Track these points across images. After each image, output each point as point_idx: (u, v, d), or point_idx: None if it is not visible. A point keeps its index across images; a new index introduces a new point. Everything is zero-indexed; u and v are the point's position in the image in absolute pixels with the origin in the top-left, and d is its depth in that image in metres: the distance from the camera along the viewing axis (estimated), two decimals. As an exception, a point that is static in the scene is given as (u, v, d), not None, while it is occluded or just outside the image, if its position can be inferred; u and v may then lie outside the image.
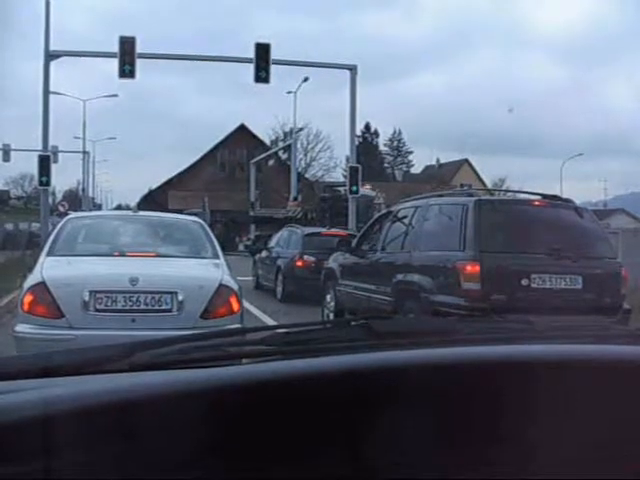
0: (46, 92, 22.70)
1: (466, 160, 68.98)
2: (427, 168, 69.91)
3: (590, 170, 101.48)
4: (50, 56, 22.34)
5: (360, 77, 23.99)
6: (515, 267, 7.76)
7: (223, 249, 7.52)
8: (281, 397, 1.04)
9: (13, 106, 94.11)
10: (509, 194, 15.32)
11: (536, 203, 8.64)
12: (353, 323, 1.51)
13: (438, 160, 70.43)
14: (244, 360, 1.27)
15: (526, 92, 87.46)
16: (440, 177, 56.41)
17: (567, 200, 9.02)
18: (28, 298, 6.06)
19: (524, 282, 7.66)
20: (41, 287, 6.06)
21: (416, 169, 73.48)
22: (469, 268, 7.65)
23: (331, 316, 11.20)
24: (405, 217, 9.49)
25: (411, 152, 75.53)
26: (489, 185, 56.13)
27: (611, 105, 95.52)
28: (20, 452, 0.91)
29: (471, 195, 8.80)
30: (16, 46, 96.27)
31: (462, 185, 39.81)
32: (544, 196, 8.92)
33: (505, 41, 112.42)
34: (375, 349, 1.22)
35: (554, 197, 9.07)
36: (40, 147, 23.26)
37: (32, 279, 6.26)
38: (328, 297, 11.49)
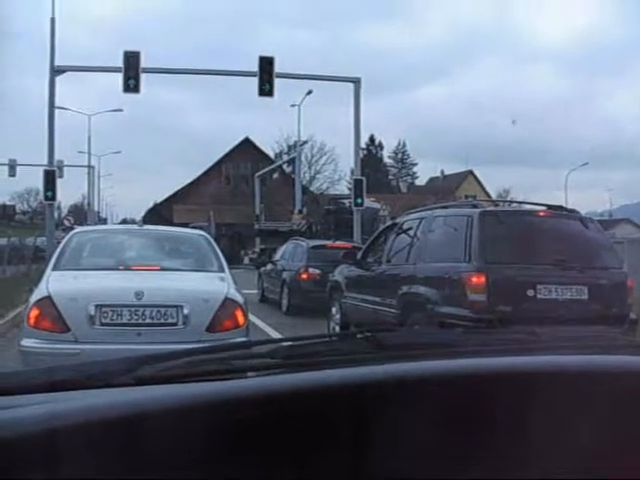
0: (51, 107, 22.80)
1: (470, 171, 69.07)
2: (432, 180, 70.01)
3: (595, 180, 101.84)
4: (55, 71, 22.45)
5: (364, 89, 24.05)
6: (521, 278, 7.74)
7: (228, 262, 7.52)
8: (287, 410, 1.04)
9: (19, 121, 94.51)
10: (514, 205, 15.29)
11: (541, 214, 8.62)
12: (359, 336, 1.51)
13: (442, 172, 70.62)
14: (250, 373, 1.27)
15: (531, 103, 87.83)
16: (445, 188, 56.52)
17: (572, 210, 9.00)
18: (34, 312, 6.06)
19: (530, 293, 7.64)
20: (47, 301, 6.06)
21: (420, 181, 73.68)
22: (475, 279, 7.64)
23: (337, 329, 11.16)
24: (410, 229, 9.48)
25: (415, 164, 75.72)
26: (494, 196, 56.14)
27: (616, 115, 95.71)
28: (25, 466, 0.91)
29: (476, 206, 8.79)
30: (22, 62, 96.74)
31: (467, 196, 39.90)
32: (549, 207, 8.90)
33: (509, 52, 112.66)
34: (380, 361, 1.22)
35: (559, 207, 9.05)
36: (45, 162, 23.35)
37: (38, 293, 6.27)
38: (333, 310, 11.47)
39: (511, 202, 24.88)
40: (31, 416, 0.98)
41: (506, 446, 1.06)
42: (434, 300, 8.09)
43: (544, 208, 8.86)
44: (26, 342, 6.02)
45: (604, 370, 1.20)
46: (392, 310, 8.89)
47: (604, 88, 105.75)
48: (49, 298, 6.08)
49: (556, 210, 8.80)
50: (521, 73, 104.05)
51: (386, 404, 1.06)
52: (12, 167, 48.53)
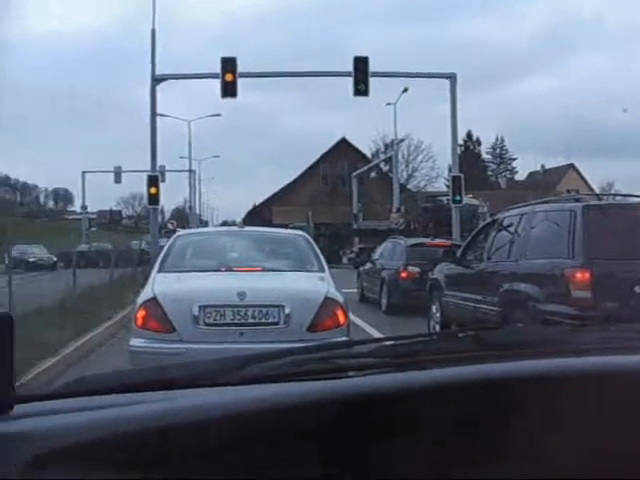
0: (153, 115, 23.46)
1: (572, 165, 67.14)
2: (531, 174, 68.40)
3: None
4: (156, 80, 23.10)
5: (460, 84, 23.73)
6: (627, 274, 7.49)
7: (328, 262, 7.56)
8: (391, 410, 1.04)
9: (123, 130, 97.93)
10: (618, 198, 14.81)
11: (647, 207, 8.35)
12: (461, 334, 1.50)
13: (543, 166, 68.83)
14: (352, 372, 1.28)
15: (637, 90, 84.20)
16: (545, 183, 55.16)
17: (681, 203, 8.68)
18: (141, 313, 6.25)
19: (637, 289, 7.39)
20: (153, 302, 6.24)
21: (520, 176, 71.99)
22: (579, 276, 7.45)
23: (437, 327, 11.07)
24: (510, 225, 9.32)
25: (514, 159, 74.17)
26: (597, 190, 54.47)
27: None
28: (143, 460, 0.95)
29: (579, 200, 8.57)
30: (126, 74, 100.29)
31: (568, 190, 38.83)
32: (656, 199, 8.61)
33: (614, 40, 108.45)
34: (486, 361, 1.21)
35: (667, 200, 8.74)
36: (149, 168, 24.05)
37: (144, 295, 6.46)
38: (434, 308, 11.37)
39: (615, 195, 24.09)
40: (147, 413, 1.02)
41: (612, 443, 1.03)
42: (536, 297, 7.93)
43: (651, 201, 8.57)
44: (134, 342, 6.22)
45: None
46: (493, 308, 8.76)
47: None
48: (155, 299, 6.25)
49: (664, 203, 8.51)
50: (629, 61, 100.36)
51: (493, 404, 1.05)
52: (117, 174, 50.31)
